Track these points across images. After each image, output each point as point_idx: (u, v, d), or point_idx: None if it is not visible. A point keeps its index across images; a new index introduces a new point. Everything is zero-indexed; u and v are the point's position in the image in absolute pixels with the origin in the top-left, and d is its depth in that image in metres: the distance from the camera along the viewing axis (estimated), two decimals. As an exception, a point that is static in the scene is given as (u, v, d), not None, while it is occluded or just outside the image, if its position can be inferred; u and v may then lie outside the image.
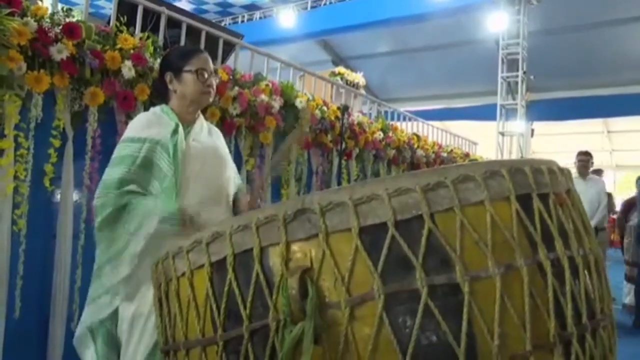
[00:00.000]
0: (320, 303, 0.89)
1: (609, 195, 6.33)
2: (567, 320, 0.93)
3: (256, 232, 0.96)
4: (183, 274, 1.09)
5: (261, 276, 0.95)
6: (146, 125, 1.81)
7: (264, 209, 1.00)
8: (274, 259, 0.94)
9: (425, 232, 0.89)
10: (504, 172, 0.95)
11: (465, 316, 0.86)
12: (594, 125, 15.05)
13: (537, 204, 0.97)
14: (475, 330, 0.86)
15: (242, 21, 13.73)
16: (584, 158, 5.53)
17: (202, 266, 1.04)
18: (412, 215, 0.90)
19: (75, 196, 2.64)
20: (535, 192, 0.98)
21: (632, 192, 6.35)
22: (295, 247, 0.93)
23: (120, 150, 1.77)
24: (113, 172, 1.73)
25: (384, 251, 0.89)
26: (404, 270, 0.88)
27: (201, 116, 1.96)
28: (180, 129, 1.81)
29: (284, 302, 0.89)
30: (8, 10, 2.25)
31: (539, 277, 0.92)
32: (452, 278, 0.87)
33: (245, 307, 0.96)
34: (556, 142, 15.25)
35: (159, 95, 1.97)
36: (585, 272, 1.02)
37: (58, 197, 2.59)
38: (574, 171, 5.58)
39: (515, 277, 0.90)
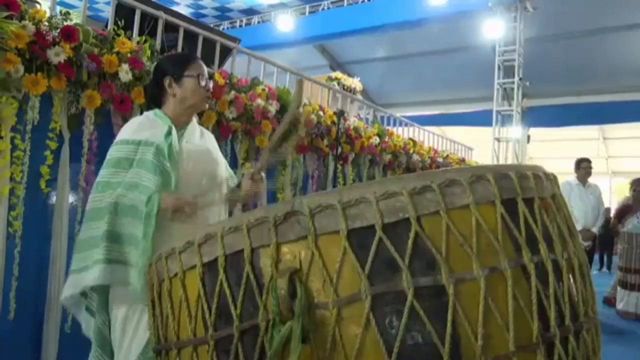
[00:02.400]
0: (309, 303, 0.91)
1: (608, 210, 6.40)
2: (550, 322, 0.95)
3: (247, 233, 0.98)
4: (175, 275, 1.11)
5: (251, 277, 0.97)
6: (140, 129, 1.84)
7: (254, 211, 1.02)
8: (264, 260, 0.96)
9: (411, 234, 0.91)
10: (489, 177, 0.97)
11: (449, 317, 0.88)
12: (590, 131, 15.10)
13: (522, 208, 0.99)
14: (459, 331, 0.88)
15: (240, 25, 13.75)
16: (588, 165, 5.60)
17: (194, 267, 1.06)
18: (399, 218, 0.92)
19: (70, 198, 2.65)
20: (520, 196, 1.00)
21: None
22: (285, 248, 0.95)
23: (115, 152, 1.79)
24: (107, 176, 1.76)
25: (372, 253, 0.91)
26: (390, 272, 0.90)
27: (194, 120, 1.99)
28: (174, 131, 1.84)
29: (274, 303, 0.91)
30: (6, 14, 2.27)
31: (523, 280, 0.95)
32: (437, 280, 0.90)
33: (235, 307, 0.98)
34: (552, 148, 15.31)
35: (152, 100, 1.99)
36: (570, 275, 1.04)
37: (54, 199, 2.61)
38: (573, 177, 5.64)
39: (499, 280, 0.92)
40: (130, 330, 1.71)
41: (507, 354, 0.89)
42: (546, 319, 0.95)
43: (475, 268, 0.91)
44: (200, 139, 1.97)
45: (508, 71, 10.20)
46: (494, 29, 10.09)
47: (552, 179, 1.14)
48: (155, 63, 2.20)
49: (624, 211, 6.17)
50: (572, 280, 1.04)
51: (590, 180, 5.71)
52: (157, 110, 1.92)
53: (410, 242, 0.91)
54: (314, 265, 0.92)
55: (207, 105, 1.99)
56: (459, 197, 0.94)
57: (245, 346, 0.97)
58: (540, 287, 0.95)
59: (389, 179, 1.01)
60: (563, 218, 1.10)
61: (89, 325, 1.84)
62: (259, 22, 13.61)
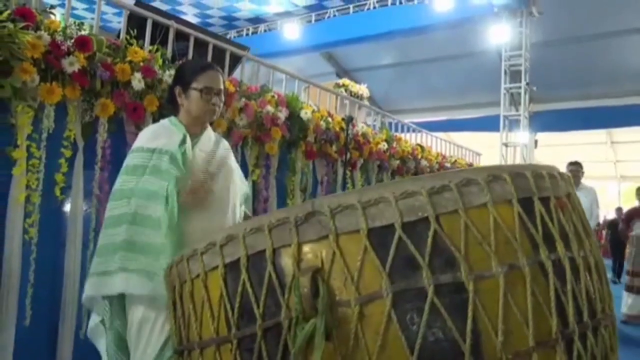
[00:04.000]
0: (331, 301, 0.93)
1: (620, 210, 6.33)
2: (568, 319, 0.96)
3: (269, 234, 1.00)
4: (197, 276, 1.13)
5: (274, 276, 0.99)
6: (155, 136, 1.87)
7: (274, 212, 1.04)
8: (286, 259, 0.98)
9: (431, 233, 0.93)
10: (506, 176, 0.99)
11: (470, 314, 0.90)
12: (598, 135, 15.04)
13: (538, 206, 1.01)
14: (480, 327, 0.90)
15: (247, 34, 13.82)
16: (574, 168, 5.53)
17: (215, 268, 1.08)
18: (418, 217, 0.94)
19: (85, 205, 2.68)
20: (537, 195, 1.02)
21: (636, 203, 6.35)
22: (306, 248, 0.97)
23: (131, 160, 1.83)
24: (122, 184, 1.79)
25: (392, 251, 0.93)
26: (410, 270, 0.92)
27: (209, 127, 2.01)
28: (188, 139, 1.86)
29: (296, 301, 0.93)
30: (22, 24, 2.31)
31: (541, 277, 0.96)
32: (457, 277, 0.91)
33: (258, 306, 1.00)
34: (560, 153, 15.22)
35: (170, 104, 2.01)
36: (586, 272, 1.05)
37: (68, 206, 2.64)
38: None
39: (517, 277, 0.94)
40: (146, 333, 1.73)
41: (527, 350, 0.91)
42: (564, 316, 0.96)
43: (494, 265, 0.92)
44: (214, 147, 1.99)
45: (514, 76, 10.20)
46: (500, 34, 10.11)
47: (566, 178, 1.15)
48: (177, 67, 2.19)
49: (632, 215, 6.15)
50: (588, 277, 1.05)
51: (597, 184, 5.66)
52: (172, 118, 1.95)
53: (429, 240, 0.93)
54: (336, 264, 0.94)
55: (214, 118, 1.96)
56: (477, 196, 0.96)
57: (268, 344, 0.99)
58: (558, 284, 0.97)
59: (406, 179, 1.03)
60: (578, 217, 1.11)
61: (94, 329, 1.87)
62: (265, 31, 13.67)
